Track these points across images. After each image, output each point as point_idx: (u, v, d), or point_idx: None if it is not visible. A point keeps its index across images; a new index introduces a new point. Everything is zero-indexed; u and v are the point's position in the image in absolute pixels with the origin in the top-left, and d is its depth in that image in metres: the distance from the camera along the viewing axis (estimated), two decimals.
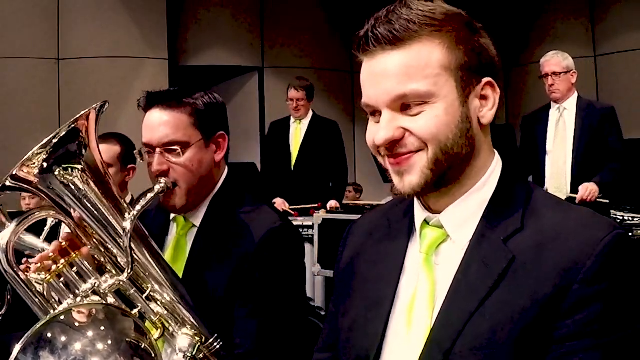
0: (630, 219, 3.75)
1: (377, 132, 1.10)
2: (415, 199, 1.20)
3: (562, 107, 4.24)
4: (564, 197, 3.91)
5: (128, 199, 2.91)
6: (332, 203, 5.10)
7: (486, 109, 1.13)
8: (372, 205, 5.08)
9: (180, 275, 1.67)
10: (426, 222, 1.18)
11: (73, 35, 7.05)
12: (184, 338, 1.28)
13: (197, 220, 1.76)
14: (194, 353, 1.28)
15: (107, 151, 2.79)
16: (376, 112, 1.12)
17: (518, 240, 1.08)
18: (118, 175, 2.86)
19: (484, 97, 1.13)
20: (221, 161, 1.80)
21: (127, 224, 1.42)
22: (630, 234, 3.56)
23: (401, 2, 1.11)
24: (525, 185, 1.16)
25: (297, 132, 5.34)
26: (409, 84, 1.07)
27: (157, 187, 1.51)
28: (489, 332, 1.03)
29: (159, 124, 1.70)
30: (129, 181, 2.96)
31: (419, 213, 1.19)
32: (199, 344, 1.29)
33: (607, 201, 3.98)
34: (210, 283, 1.66)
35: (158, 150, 1.70)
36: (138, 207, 1.44)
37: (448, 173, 1.11)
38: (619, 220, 3.67)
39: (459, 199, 1.14)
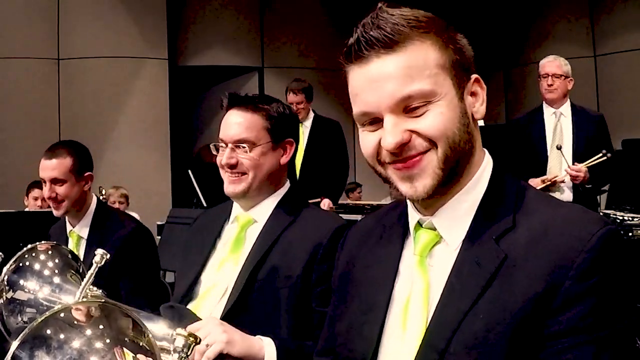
0: (630, 219, 3.73)
1: (385, 138, 1.08)
2: (409, 202, 1.21)
3: (558, 112, 4.28)
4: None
5: (93, 205, 2.78)
6: (325, 202, 4.91)
7: (478, 104, 1.15)
8: (372, 205, 5.09)
9: (241, 265, 1.85)
10: (420, 224, 1.18)
11: (73, 35, 7.06)
12: (179, 339, 1.28)
13: (261, 216, 1.93)
14: (188, 353, 1.28)
15: (58, 166, 2.68)
16: (374, 121, 1.11)
17: (510, 238, 1.08)
18: (75, 188, 2.70)
19: (474, 94, 1.15)
20: (285, 165, 1.98)
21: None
22: (630, 234, 3.56)
23: (380, 9, 1.12)
24: (516, 183, 1.17)
25: (300, 137, 5.28)
26: (412, 84, 1.07)
27: (96, 259, 1.65)
28: (483, 331, 1.04)
29: (235, 123, 1.91)
30: (88, 190, 2.76)
31: (413, 215, 1.20)
32: (194, 344, 1.29)
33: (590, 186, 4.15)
34: (284, 270, 1.80)
35: (230, 145, 1.90)
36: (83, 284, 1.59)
37: (455, 170, 1.11)
38: (619, 220, 3.67)
39: (451, 199, 1.15)
